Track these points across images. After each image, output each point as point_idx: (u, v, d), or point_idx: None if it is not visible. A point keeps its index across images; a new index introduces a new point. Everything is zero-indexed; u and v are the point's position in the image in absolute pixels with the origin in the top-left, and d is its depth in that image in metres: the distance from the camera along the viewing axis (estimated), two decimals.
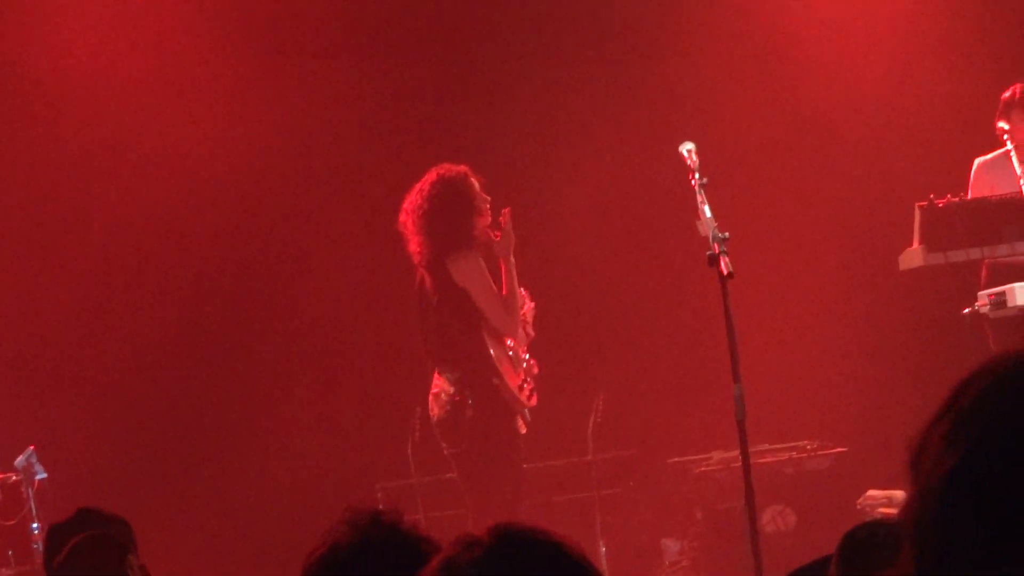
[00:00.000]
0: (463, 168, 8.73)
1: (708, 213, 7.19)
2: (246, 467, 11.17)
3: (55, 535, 4.51)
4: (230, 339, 11.53)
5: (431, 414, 8.83)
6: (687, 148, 7.54)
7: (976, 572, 1.49)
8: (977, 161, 9.94)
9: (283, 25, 11.55)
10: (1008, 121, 9.68)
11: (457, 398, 8.66)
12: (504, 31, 11.84)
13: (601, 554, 10.16)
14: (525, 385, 8.78)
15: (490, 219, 8.73)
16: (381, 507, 3.09)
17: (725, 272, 6.92)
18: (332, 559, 2.98)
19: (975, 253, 9.52)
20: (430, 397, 8.81)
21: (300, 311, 11.55)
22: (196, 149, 11.30)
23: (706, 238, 7.12)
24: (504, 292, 8.70)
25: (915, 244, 9.56)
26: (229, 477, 11.13)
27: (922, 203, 9.45)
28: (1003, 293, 8.96)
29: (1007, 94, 9.80)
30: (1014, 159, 9.40)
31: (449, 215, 8.58)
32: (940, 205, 9.41)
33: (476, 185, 8.68)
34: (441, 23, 11.83)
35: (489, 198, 8.73)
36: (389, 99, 11.66)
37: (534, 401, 8.81)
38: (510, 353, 8.79)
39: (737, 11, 11.74)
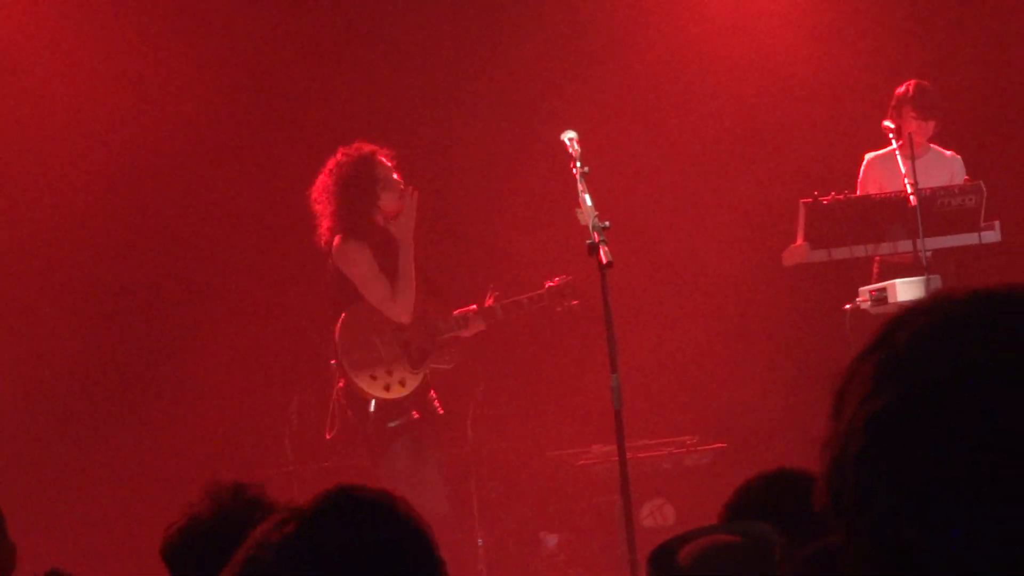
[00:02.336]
0: (368, 148, 8.61)
1: (589, 202, 7.14)
2: (121, 457, 10.98)
3: None
4: (101, 327, 11.33)
5: None
6: (568, 136, 7.50)
7: (890, 519, 1.44)
8: (868, 156, 9.99)
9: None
10: (898, 118, 9.74)
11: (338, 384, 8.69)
12: (392, 20, 11.74)
13: (479, 547, 10.08)
14: (390, 375, 8.56)
15: (400, 199, 8.61)
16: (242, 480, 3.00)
17: (604, 261, 6.88)
18: (191, 530, 2.89)
19: (858, 250, 9.57)
20: None
21: (178, 303, 11.39)
22: (99, 136, 11.13)
23: (586, 227, 7.07)
24: (399, 274, 8.55)
25: (799, 240, 9.59)
26: (100, 468, 10.94)
27: (806, 200, 9.47)
28: (884, 289, 9.01)
29: (901, 90, 9.85)
30: (898, 157, 9.44)
31: (342, 198, 8.49)
32: (824, 202, 9.44)
33: (383, 165, 8.56)
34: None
35: (399, 179, 8.61)
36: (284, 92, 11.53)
37: (389, 392, 8.57)
38: (390, 340, 8.59)
39: (622, 4, 11.71)
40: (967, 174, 9.81)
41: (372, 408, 8.53)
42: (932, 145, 10.01)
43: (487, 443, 10.47)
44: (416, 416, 8.58)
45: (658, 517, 9.74)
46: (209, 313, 11.28)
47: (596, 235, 6.97)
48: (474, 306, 8.71)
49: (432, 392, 8.74)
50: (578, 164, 7.34)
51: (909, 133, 9.52)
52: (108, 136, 11.22)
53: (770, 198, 11.04)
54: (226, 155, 11.45)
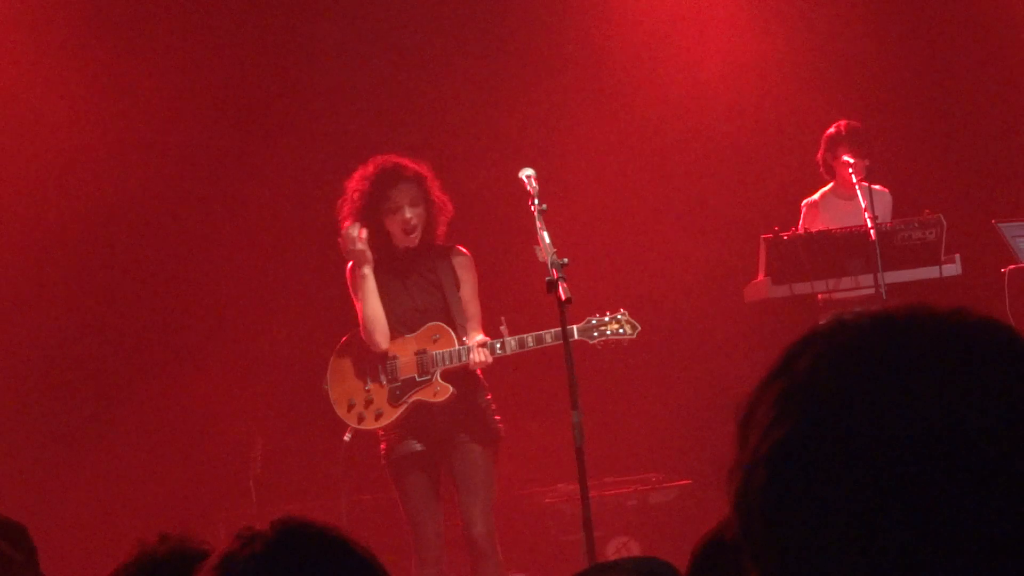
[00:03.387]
0: (384, 162, 8.20)
1: (547, 239, 7.15)
2: (81, 499, 10.91)
3: None
4: (65, 362, 11.27)
5: None
6: (527, 174, 7.50)
7: (802, 544, 1.43)
8: (805, 202, 10.03)
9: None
10: (833, 159, 9.81)
11: None
12: (351, 40, 11.75)
13: None
14: (368, 405, 8.28)
15: (403, 222, 8.16)
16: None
17: (563, 298, 6.88)
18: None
19: (820, 286, 9.60)
20: None
21: (143, 340, 11.36)
22: (69, 143, 11.11)
23: (544, 264, 7.08)
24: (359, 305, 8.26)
25: (760, 276, 9.62)
26: (58, 510, 10.86)
27: (767, 235, 9.51)
28: None
29: (831, 130, 9.92)
30: (834, 198, 9.52)
31: (343, 213, 8.28)
32: (785, 238, 9.48)
33: (393, 184, 8.12)
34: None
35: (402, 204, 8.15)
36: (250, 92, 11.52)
37: (362, 423, 8.30)
38: (378, 369, 8.29)
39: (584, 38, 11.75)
40: (927, 208, 9.82)
41: (347, 437, 8.41)
42: (864, 182, 10.06)
43: (450, 483, 10.44)
44: (396, 446, 8.27)
45: (623, 554, 9.72)
46: (173, 354, 11.25)
47: (555, 272, 6.97)
48: (484, 337, 8.19)
49: (446, 417, 8.16)
50: (536, 201, 7.34)
51: (852, 168, 9.57)
52: (92, 161, 11.19)
53: (732, 233, 11.07)
54: (200, 199, 11.44)
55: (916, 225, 9.55)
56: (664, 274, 11.46)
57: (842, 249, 9.47)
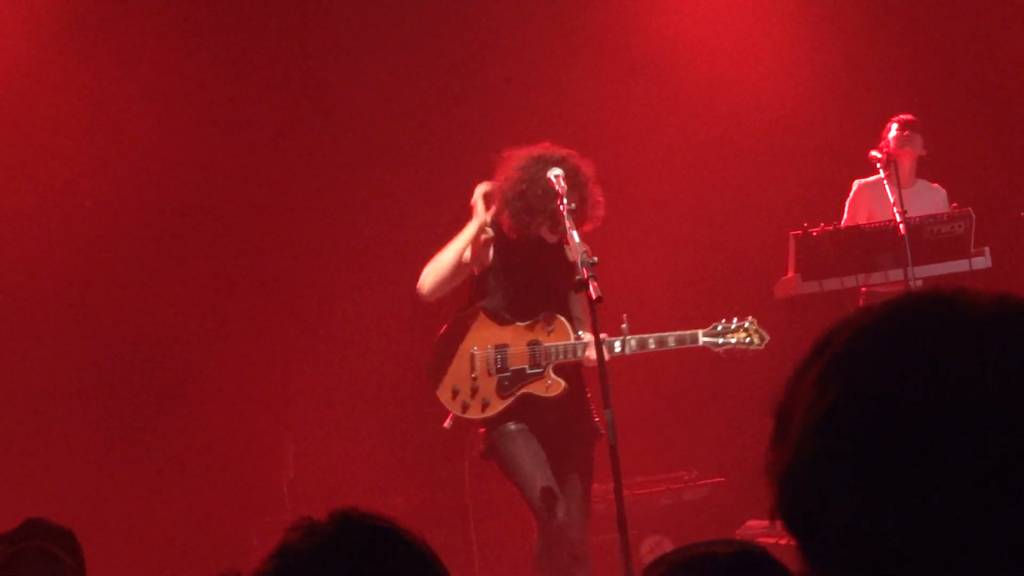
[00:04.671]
0: (529, 154, 7.85)
1: (577, 238, 7.12)
2: (117, 509, 10.95)
3: None
4: (98, 372, 11.31)
5: None
6: (555, 173, 7.45)
7: (854, 516, 1.46)
8: (857, 182, 10.04)
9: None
10: (886, 149, 9.79)
11: None
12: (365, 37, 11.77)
13: None
14: (474, 393, 7.89)
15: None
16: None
17: (594, 297, 6.85)
18: None
19: (850, 281, 9.58)
20: None
21: (174, 349, 11.38)
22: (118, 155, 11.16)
23: (575, 263, 7.06)
24: (444, 248, 7.90)
25: (790, 273, 9.61)
26: (95, 520, 10.91)
27: (796, 232, 9.50)
28: None
29: (889, 123, 9.93)
30: (886, 186, 9.47)
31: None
32: (814, 234, 9.47)
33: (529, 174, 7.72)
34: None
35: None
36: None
37: (467, 412, 7.88)
38: (488, 357, 7.94)
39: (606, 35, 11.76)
40: (955, 202, 9.82)
41: (448, 424, 8.00)
42: (919, 178, 10.07)
43: (485, 485, 10.45)
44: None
45: (658, 553, 9.70)
46: (206, 361, 11.27)
47: (585, 271, 6.94)
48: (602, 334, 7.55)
49: (553, 414, 7.81)
50: (564, 200, 7.28)
51: (895, 163, 9.55)
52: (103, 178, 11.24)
53: (761, 230, 11.06)
54: (215, 205, 11.47)
55: (945, 219, 9.54)
56: (694, 270, 11.46)
57: (871, 244, 9.45)
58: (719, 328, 7.84)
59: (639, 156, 11.60)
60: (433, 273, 7.88)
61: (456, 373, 7.94)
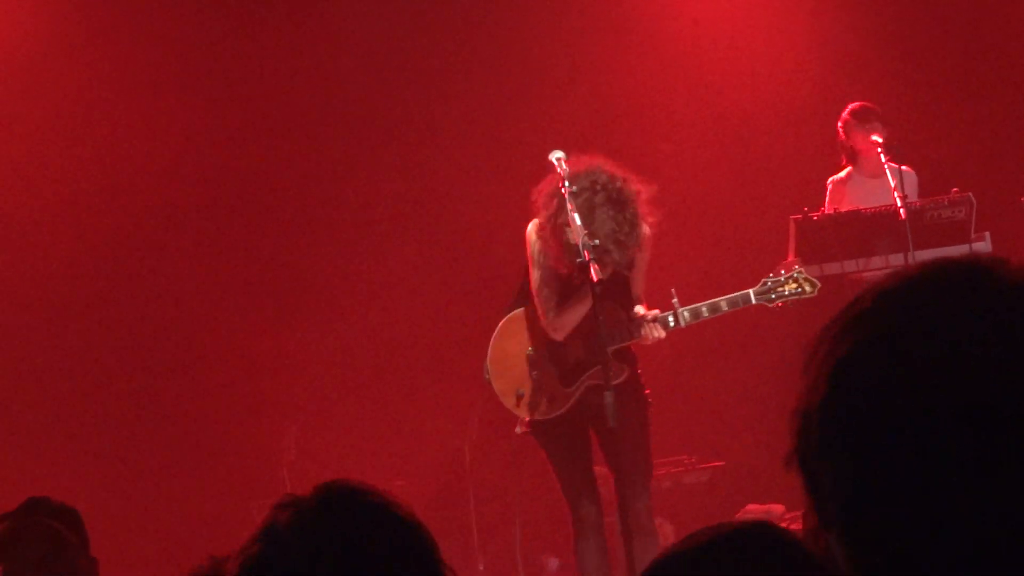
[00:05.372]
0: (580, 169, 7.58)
1: (578, 221, 7.11)
2: (116, 484, 10.97)
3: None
4: (96, 355, 11.33)
5: None
6: (556, 156, 7.40)
7: (855, 465, 1.50)
8: (831, 180, 10.04)
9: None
10: (849, 140, 9.85)
11: None
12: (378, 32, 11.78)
13: (480, 572, 10.08)
14: (539, 392, 7.73)
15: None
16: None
17: (595, 279, 6.87)
18: None
19: (850, 266, 9.58)
20: None
21: (173, 332, 11.40)
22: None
23: (576, 246, 7.06)
24: (579, 295, 7.57)
25: (790, 257, 9.60)
26: (93, 503, 10.93)
27: (797, 216, 9.50)
28: None
29: (848, 114, 9.93)
30: (858, 178, 9.52)
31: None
32: (814, 218, 9.47)
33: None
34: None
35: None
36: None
37: (535, 413, 7.75)
38: (544, 353, 7.78)
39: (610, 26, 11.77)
40: (956, 187, 9.79)
41: (519, 430, 7.85)
42: (891, 162, 10.04)
43: (485, 468, 10.47)
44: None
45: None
46: (206, 344, 11.29)
47: (587, 253, 6.96)
48: (654, 311, 7.65)
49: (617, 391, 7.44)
50: (566, 183, 7.25)
51: (880, 148, 9.55)
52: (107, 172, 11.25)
53: (761, 213, 11.07)
54: (223, 189, 11.48)
55: (946, 204, 9.53)
56: (694, 256, 11.46)
57: (872, 229, 9.45)
58: (769, 284, 7.81)
59: (638, 141, 11.61)
60: (567, 326, 7.61)
61: (515, 377, 7.82)
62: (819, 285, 7.91)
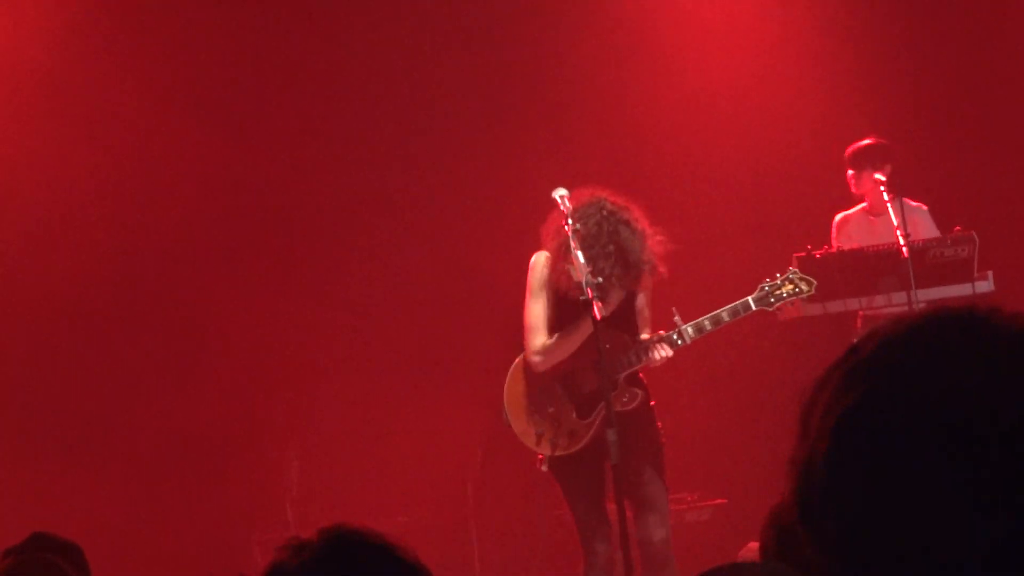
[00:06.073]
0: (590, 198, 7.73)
1: (581, 258, 7.15)
2: (116, 516, 10.95)
3: (3, 558, 4.45)
4: (95, 379, 11.31)
5: None
6: (560, 194, 7.45)
7: (858, 516, 1.51)
8: (838, 216, 10.07)
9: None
10: (859, 177, 9.88)
11: None
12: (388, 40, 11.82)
13: None
14: (558, 427, 7.75)
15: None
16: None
17: (598, 317, 6.90)
18: None
19: (852, 304, 9.60)
20: None
21: (173, 357, 11.39)
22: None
23: (579, 283, 7.09)
24: (568, 330, 7.72)
25: None
26: (92, 529, 10.92)
27: (800, 253, 9.51)
28: None
29: (851, 151, 9.98)
30: (867, 216, 9.54)
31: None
32: (817, 256, 9.48)
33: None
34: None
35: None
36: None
37: (557, 450, 7.76)
38: (556, 386, 7.84)
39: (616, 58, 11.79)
40: (958, 225, 9.82)
41: (544, 468, 7.84)
42: (897, 197, 10.06)
43: (488, 504, 10.46)
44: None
45: None
46: (210, 375, 11.27)
47: (590, 291, 6.99)
48: (659, 332, 7.70)
49: (633, 421, 7.68)
50: (569, 221, 7.31)
51: (883, 185, 9.59)
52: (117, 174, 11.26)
53: (764, 251, 11.07)
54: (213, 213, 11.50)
55: (948, 242, 9.55)
56: (697, 291, 11.46)
57: (875, 267, 9.47)
58: (767, 288, 7.91)
59: (642, 175, 11.62)
60: (553, 357, 7.73)
61: (532, 415, 7.85)
62: (815, 283, 8.03)
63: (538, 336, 7.71)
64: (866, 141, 9.96)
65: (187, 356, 11.34)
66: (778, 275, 7.94)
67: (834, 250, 9.60)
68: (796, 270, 7.98)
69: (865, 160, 9.87)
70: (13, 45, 11.08)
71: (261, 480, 10.75)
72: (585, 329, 7.47)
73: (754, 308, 7.79)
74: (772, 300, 7.88)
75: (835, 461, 1.53)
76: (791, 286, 7.92)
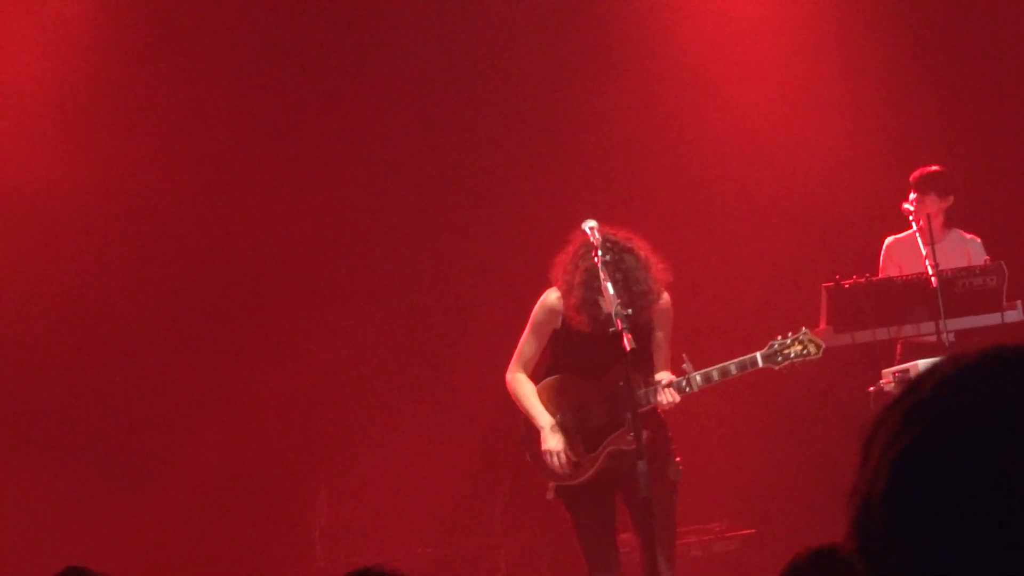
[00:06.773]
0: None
1: (611, 290, 7.17)
2: (143, 547, 10.96)
3: None
4: (121, 403, 11.33)
5: None
6: (589, 226, 7.49)
7: (920, 551, 1.52)
8: (888, 240, 10.06)
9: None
10: (917, 202, 9.82)
11: None
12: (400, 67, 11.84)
13: None
14: (565, 457, 7.76)
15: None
16: None
17: (628, 348, 6.91)
18: None
19: (881, 333, 9.57)
20: None
21: (197, 386, 11.41)
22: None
23: (609, 315, 7.10)
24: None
25: (821, 324, 9.60)
26: (123, 558, 10.93)
27: (828, 284, 9.50)
28: (907, 371, 8.97)
29: (916, 174, 9.94)
30: (919, 240, 9.50)
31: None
32: (846, 286, 9.47)
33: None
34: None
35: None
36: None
37: (571, 480, 7.79)
38: (569, 419, 7.83)
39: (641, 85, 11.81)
40: (988, 255, 9.82)
41: (551, 496, 7.91)
42: (954, 228, 10.06)
43: (515, 533, 10.45)
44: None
45: None
46: (237, 404, 11.30)
47: (619, 322, 7.00)
48: (669, 377, 7.76)
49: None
50: (599, 252, 7.35)
51: (927, 215, 9.59)
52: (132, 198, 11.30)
53: (792, 282, 11.07)
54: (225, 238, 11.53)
55: (977, 272, 9.53)
56: (726, 322, 11.46)
57: (903, 297, 9.45)
58: (776, 346, 7.91)
59: (669, 206, 11.63)
60: (513, 396, 7.93)
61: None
62: (823, 346, 8.03)
63: (519, 367, 7.88)
64: (934, 167, 9.94)
65: (219, 390, 11.35)
66: (790, 334, 7.95)
67: (862, 280, 9.58)
68: (807, 331, 7.98)
69: (930, 186, 9.86)
70: (26, 59, 11.14)
71: (289, 511, 10.75)
72: (537, 417, 7.74)
73: (760, 365, 7.82)
74: (779, 359, 7.91)
75: (892, 499, 1.55)
76: (800, 347, 7.94)
